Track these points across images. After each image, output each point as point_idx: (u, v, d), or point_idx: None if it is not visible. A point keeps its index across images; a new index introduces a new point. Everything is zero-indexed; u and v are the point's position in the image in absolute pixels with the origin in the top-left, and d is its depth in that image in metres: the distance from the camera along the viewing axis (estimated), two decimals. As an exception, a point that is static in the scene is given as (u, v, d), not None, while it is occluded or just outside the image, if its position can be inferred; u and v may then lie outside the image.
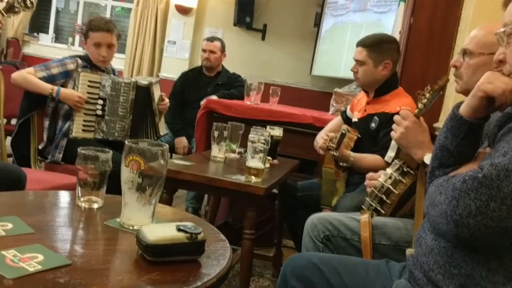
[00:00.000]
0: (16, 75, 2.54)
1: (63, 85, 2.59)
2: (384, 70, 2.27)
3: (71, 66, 2.59)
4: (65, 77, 2.59)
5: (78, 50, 6.42)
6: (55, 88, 2.52)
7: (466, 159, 1.09)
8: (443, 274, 1.00)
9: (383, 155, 2.14)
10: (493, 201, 0.88)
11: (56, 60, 2.63)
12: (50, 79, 2.55)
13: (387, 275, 1.24)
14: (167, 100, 2.88)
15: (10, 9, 2.45)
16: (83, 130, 2.59)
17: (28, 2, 2.48)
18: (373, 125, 2.25)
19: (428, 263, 1.04)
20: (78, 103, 2.53)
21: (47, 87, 2.52)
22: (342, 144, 2.16)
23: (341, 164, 2.24)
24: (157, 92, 2.77)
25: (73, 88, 2.58)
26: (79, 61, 2.63)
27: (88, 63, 2.67)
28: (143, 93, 2.68)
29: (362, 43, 2.31)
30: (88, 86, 2.58)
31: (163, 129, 2.89)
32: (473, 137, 1.08)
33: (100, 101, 2.61)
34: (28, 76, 2.53)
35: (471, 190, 0.90)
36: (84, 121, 2.59)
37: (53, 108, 2.63)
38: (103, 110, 2.62)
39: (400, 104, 2.19)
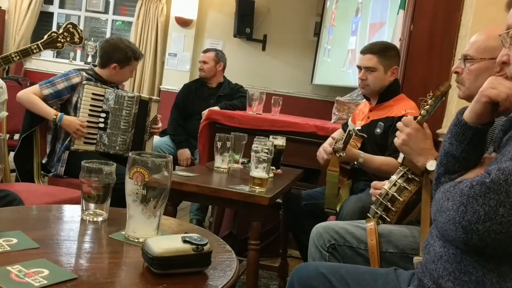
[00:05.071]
0: (22, 94, 2.54)
1: (69, 99, 2.61)
2: (392, 76, 2.27)
3: (76, 80, 2.60)
4: (71, 91, 2.60)
5: (79, 64, 6.45)
6: (59, 114, 2.53)
7: (471, 164, 1.08)
8: (453, 281, 0.99)
9: (395, 158, 2.12)
10: (501, 206, 0.87)
11: (61, 75, 2.63)
12: (56, 95, 2.57)
13: (395, 284, 1.22)
14: (160, 124, 2.90)
15: (51, 43, 2.38)
16: (85, 143, 2.60)
17: (76, 38, 2.39)
18: (378, 130, 2.25)
19: (437, 270, 1.02)
20: (78, 132, 2.54)
21: (51, 113, 2.53)
22: (349, 144, 2.14)
23: (350, 164, 2.21)
24: (153, 111, 2.81)
25: (78, 100, 2.59)
26: (84, 74, 2.64)
27: (93, 77, 2.68)
28: (143, 107, 2.72)
29: (371, 50, 2.29)
30: (92, 98, 2.60)
31: (149, 149, 2.88)
32: (478, 142, 1.07)
33: (103, 114, 2.62)
34: (33, 98, 2.53)
35: (479, 196, 0.89)
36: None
37: None
38: (105, 123, 2.63)
39: (405, 108, 2.19)
